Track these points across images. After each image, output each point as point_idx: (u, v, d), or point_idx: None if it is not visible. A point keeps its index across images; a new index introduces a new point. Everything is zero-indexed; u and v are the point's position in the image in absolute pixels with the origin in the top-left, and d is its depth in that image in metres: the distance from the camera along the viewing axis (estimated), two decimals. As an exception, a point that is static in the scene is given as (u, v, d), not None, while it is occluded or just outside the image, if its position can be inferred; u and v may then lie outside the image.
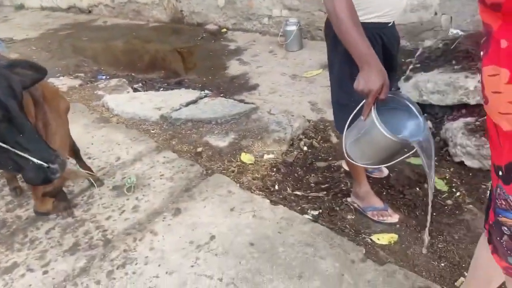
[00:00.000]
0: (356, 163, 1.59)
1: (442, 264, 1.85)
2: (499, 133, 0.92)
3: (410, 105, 1.45)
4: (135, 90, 4.07)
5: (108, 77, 4.54)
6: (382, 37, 1.71)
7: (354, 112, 1.48)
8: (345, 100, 1.76)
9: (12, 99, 1.68)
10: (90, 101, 3.81)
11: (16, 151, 1.74)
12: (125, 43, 6.00)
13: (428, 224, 1.52)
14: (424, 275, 1.78)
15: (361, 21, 1.45)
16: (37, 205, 2.23)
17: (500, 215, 0.98)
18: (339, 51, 1.77)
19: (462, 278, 1.73)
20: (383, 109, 1.39)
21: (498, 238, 1.02)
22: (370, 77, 1.35)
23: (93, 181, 2.55)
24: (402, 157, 1.54)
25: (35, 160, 1.75)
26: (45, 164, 1.79)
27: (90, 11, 7.77)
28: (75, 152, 2.53)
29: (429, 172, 1.40)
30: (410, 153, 1.48)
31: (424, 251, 1.55)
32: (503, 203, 0.96)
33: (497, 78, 0.84)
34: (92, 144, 3.05)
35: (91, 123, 3.36)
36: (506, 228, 0.98)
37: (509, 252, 1.01)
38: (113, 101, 3.58)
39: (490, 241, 1.08)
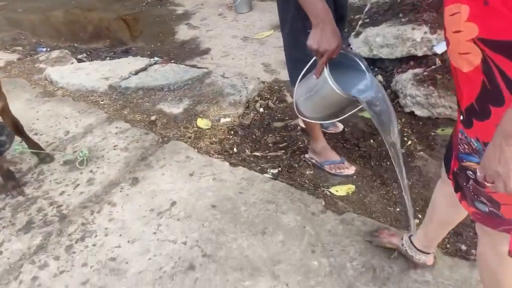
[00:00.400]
0: (306, 119, 1.61)
1: (398, 209, 1.93)
2: (459, 77, 0.92)
3: (359, 62, 1.46)
4: (80, 60, 3.85)
5: (49, 49, 4.26)
6: None
7: (306, 68, 1.48)
8: (300, 55, 1.75)
9: None
10: (31, 75, 3.58)
11: None
12: (65, 13, 5.62)
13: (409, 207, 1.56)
14: (381, 221, 1.86)
15: None
16: None
17: (464, 160, 1.00)
18: (290, 8, 1.74)
19: (416, 220, 1.82)
20: (333, 64, 1.39)
21: (464, 184, 1.04)
22: (325, 37, 1.36)
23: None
24: (352, 111, 1.57)
25: None
26: None
27: (22, -20, 7.18)
28: (19, 130, 2.38)
29: (386, 126, 1.39)
30: (360, 107, 1.51)
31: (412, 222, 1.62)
32: (466, 147, 0.98)
33: (458, 16, 0.84)
34: (38, 119, 2.88)
35: (35, 98, 3.16)
36: (471, 172, 1.00)
37: (475, 197, 1.02)
38: (56, 73, 3.38)
39: (457, 190, 1.10)
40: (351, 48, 3.09)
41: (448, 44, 0.92)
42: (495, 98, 0.84)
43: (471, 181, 1.01)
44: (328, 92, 1.36)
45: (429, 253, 1.55)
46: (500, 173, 0.81)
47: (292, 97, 2.88)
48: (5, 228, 2.05)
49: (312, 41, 1.39)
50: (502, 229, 1.03)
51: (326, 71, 1.36)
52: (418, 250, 1.54)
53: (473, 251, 1.66)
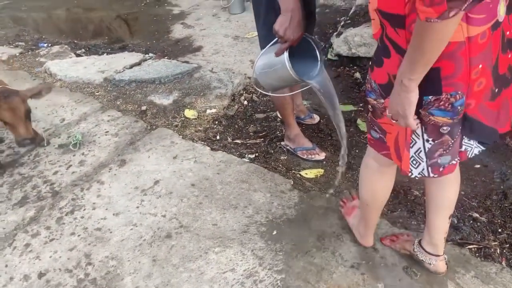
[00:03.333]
0: (261, 90, 1.81)
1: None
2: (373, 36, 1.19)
3: (316, 49, 1.65)
4: (78, 56, 4.06)
5: (50, 44, 4.47)
6: None
7: (268, 46, 1.65)
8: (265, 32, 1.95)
9: None
10: (32, 68, 3.78)
11: None
12: (67, 12, 5.85)
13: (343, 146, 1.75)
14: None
15: None
16: None
17: (368, 97, 1.26)
18: (262, 3, 1.93)
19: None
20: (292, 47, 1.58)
21: (366, 116, 1.34)
22: (291, 26, 1.52)
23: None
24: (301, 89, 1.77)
25: None
26: None
27: (27, -20, 7.41)
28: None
29: (331, 109, 1.63)
30: (307, 86, 1.72)
31: (340, 169, 1.82)
32: (369, 86, 1.23)
33: None
34: (36, 108, 3.06)
35: (34, 89, 3.35)
36: (370, 106, 1.27)
37: (371, 126, 1.32)
38: (55, 66, 3.58)
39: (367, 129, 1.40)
40: (330, 47, 3.28)
41: None
42: (385, 52, 1.10)
43: (369, 114, 1.30)
44: (284, 73, 1.55)
45: (438, 255, 1.54)
46: (400, 113, 1.07)
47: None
48: (1, 203, 2.23)
49: (279, 27, 1.54)
50: (383, 153, 1.33)
51: (286, 56, 1.54)
52: (427, 252, 1.55)
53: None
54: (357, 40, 3.08)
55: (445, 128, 1.10)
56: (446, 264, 1.57)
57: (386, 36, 1.08)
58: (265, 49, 1.62)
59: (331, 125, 2.67)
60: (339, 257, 1.71)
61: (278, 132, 2.63)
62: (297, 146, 2.37)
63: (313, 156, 2.33)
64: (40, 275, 1.80)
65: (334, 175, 2.22)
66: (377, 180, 1.49)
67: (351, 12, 3.71)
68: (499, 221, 1.85)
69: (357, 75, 3.14)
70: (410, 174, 1.24)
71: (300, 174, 2.23)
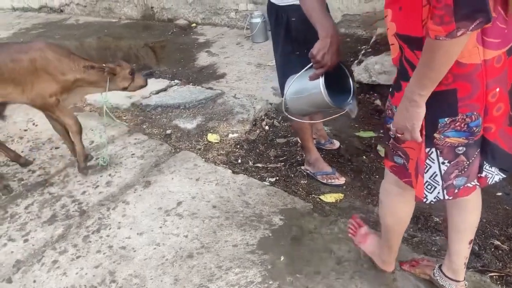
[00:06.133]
0: (291, 115, 1.84)
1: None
2: (393, 62, 1.24)
3: (349, 75, 1.68)
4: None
5: (81, 71, 4.68)
6: None
7: (304, 70, 1.62)
8: (291, 73, 1.98)
9: None
10: (64, 93, 3.97)
11: None
12: (97, 40, 6.14)
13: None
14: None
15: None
16: None
17: (388, 123, 1.28)
18: (281, 33, 2.02)
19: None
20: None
21: (386, 143, 1.35)
22: (330, 52, 1.49)
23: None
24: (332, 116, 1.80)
25: None
26: None
27: (61, 11, 7.84)
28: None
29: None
30: (339, 114, 1.73)
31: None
32: (390, 112, 1.26)
33: (386, 18, 1.15)
34: (67, 131, 3.22)
35: (66, 112, 3.52)
36: (391, 132, 1.28)
37: (394, 152, 1.33)
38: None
39: (385, 154, 1.42)
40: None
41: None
42: (404, 76, 1.15)
43: (391, 140, 1.31)
44: (318, 98, 1.56)
45: (458, 281, 1.54)
46: (407, 127, 1.13)
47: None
48: (32, 220, 2.34)
49: (317, 51, 1.48)
50: (405, 180, 1.33)
51: (321, 81, 1.52)
52: (448, 277, 1.55)
53: None
54: (378, 68, 3.13)
55: (460, 148, 1.14)
56: None
57: (405, 58, 1.13)
58: (298, 74, 1.63)
59: (351, 150, 2.71)
60: (358, 281, 1.71)
61: (298, 157, 2.68)
62: (317, 171, 2.41)
63: (332, 181, 2.36)
64: (66, 290, 1.86)
65: (354, 199, 2.24)
66: (400, 204, 1.49)
67: (371, 41, 3.78)
68: (521, 249, 1.83)
69: (377, 102, 3.18)
70: (424, 200, 1.26)
71: (319, 198, 2.26)
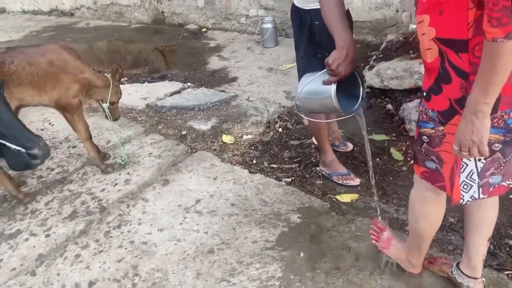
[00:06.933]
0: (302, 114, 1.90)
1: (395, 215, 2.17)
2: (425, 67, 1.26)
3: (361, 84, 1.74)
4: (121, 83, 4.30)
5: (94, 73, 4.75)
6: None
7: (317, 75, 1.71)
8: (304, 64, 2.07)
9: None
10: (78, 94, 4.03)
11: None
12: (108, 43, 6.23)
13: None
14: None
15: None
16: None
17: (421, 128, 1.31)
18: (304, 35, 2.09)
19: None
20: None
21: (418, 148, 1.36)
22: (345, 62, 1.53)
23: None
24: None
25: (12, 146, 1.86)
26: (23, 150, 1.88)
27: (72, 14, 7.95)
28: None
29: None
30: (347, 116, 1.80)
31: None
32: (424, 117, 1.29)
33: (423, 23, 1.18)
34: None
35: (81, 113, 3.58)
36: (425, 137, 1.31)
37: (426, 157, 1.34)
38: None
39: (415, 161, 1.43)
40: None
41: (419, 43, 1.25)
42: (446, 78, 1.17)
43: (424, 144, 1.33)
44: (328, 102, 1.63)
45: (476, 278, 1.57)
46: (474, 141, 1.10)
47: (308, 120, 3.20)
48: (53, 216, 2.39)
49: (332, 61, 1.52)
50: (438, 185, 1.34)
51: (333, 88, 1.59)
52: (465, 275, 1.58)
53: None
54: (390, 73, 3.19)
55: (496, 145, 1.17)
56: (484, 287, 1.59)
57: (449, 62, 1.15)
58: (314, 77, 1.69)
59: (364, 152, 2.75)
60: (378, 277, 1.76)
61: (312, 158, 2.73)
62: (332, 171, 2.45)
63: (348, 182, 2.41)
64: (90, 284, 1.91)
65: (369, 199, 2.29)
66: (434, 210, 1.50)
67: (382, 47, 3.85)
68: (536, 249, 1.87)
69: (389, 106, 3.23)
70: (461, 201, 1.29)
71: (336, 198, 2.31)
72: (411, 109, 2.88)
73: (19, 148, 1.88)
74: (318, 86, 1.67)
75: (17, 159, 1.91)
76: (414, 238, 1.64)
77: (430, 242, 1.64)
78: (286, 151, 2.88)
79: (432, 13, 1.14)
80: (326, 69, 1.60)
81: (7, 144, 1.87)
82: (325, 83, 1.61)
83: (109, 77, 2.65)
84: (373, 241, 1.81)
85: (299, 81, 2.28)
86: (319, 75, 1.64)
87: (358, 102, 1.71)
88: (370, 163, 1.77)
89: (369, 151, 1.76)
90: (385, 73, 3.23)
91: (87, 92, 2.60)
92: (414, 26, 3.99)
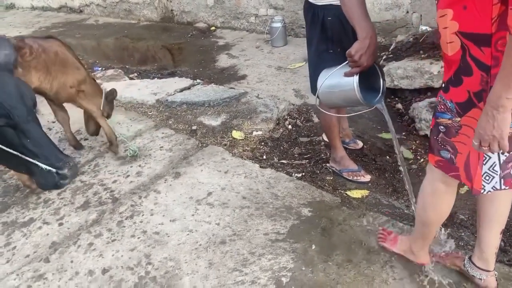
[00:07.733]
0: (322, 108, 1.96)
1: (406, 211, 2.19)
2: (445, 59, 1.28)
3: (381, 76, 1.75)
4: (131, 79, 4.34)
5: (103, 68, 4.80)
6: None
7: (334, 71, 1.71)
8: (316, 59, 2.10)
9: (21, 105, 1.83)
10: (89, 89, 4.07)
11: (23, 156, 1.85)
12: (117, 40, 6.28)
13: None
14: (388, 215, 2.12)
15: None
16: None
17: (438, 118, 1.34)
18: (316, 31, 2.11)
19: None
20: None
21: (435, 137, 1.39)
22: (368, 53, 1.54)
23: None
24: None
25: (42, 165, 1.88)
26: (54, 170, 1.89)
27: (81, 11, 8.00)
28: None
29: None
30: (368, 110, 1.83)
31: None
32: (442, 107, 1.32)
33: (445, 17, 1.20)
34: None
35: (92, 107, 3.62)
36: (442, 127, 1.34)
37: (442, 146, 1.37)
38: (111, 87, 3.84)
39: (430, 150, 1.45)
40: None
41: (439, 37, 1.27)
42: (467, 71, 1.20)
43: (441, 134, 1.35)
44: (350, 94, 1.64)
45: (489, 271, 1.59)
46: (495, 136, 1.11)
47: (318, 118, 3.22)
48: (65, 206, 2.41)
49: (354, 52, 1.52)
50: (451, 175, 1.37)
51: (355, 80, 1.59)
52: (478, 267, 1.60)
53: None
54: (400, 72, 3.21)
55: None
56: (496, 280, 1.61)
57: (470, 55, 1.17)
58: (333, 69, 1.70)
59: (374, 150, 2.78)
60: (390, 270, 1.77)
61: (322, 155, 2.75)
62: (342, 168, 2.47)
63: (358, 178, 2.43)
64: (104, 271, 1.93)
65: (379, 196, 2.31)
66: (445, 201, 1.53)
67: (391, 47, 3.87)
68: (546, 246, 1.89)
69: (399, 105, 3.25)
70: (482, 191, 1.31)
71: (346, 194, 2.32)
72: (421, 109, 2.90)
73: (49, 168, 1.89)
74: (339, 79, 1.67)
75: (47, 179, 1.91)
76: (419, 226, 1.68)
77: (435, 231, 1.68)
78: (296, 147, 2.90)
79: (455, 7, 1.15)
80: (346, 62, 1.61)
81: (39, 164, 1.87)
82: (347, 74, 1.61)
83: (102, 88, 2.80)
84: (380, 242, 1.88)
85: (309, 76, 2.31)
86: (339, 68, 1.65)
87: (380, 94, 1.73)
88: (397, 150, 1.80)
89: (396, 140, 1.80)
90: (396, 73, 3.25)
91: (78, 93, 2.68)
92: (424, 28, 4.02)
